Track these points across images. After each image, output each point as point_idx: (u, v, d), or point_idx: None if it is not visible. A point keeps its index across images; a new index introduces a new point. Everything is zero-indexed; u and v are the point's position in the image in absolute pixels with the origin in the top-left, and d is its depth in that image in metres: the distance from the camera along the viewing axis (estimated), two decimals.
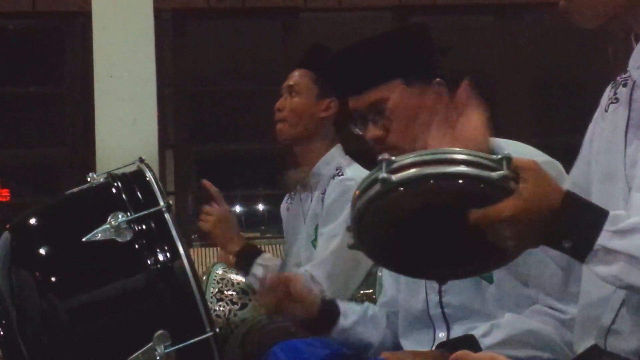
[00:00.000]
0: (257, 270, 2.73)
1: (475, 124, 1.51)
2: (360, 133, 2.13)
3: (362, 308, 2.20)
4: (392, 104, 2.04)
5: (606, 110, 1.61)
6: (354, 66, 2.11)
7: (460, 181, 1.32)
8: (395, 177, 1.33)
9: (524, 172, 1.34)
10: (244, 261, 2.79)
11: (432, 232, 1.39)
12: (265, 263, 2.74)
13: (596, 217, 1.35)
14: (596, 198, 1.51)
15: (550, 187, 1.36)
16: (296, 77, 2.91)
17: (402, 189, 1.33)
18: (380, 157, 1.35)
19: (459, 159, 1.34)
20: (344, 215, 2.71)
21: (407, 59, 2.07)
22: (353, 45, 2.14)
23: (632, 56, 1.55)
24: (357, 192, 1.38)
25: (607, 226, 1.34)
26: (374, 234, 1.40)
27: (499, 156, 1.34)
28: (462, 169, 1.32)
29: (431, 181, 1.33)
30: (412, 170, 1.33)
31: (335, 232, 2.71)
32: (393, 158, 1.34)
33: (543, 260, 1.63)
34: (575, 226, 1.35)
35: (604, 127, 1.59)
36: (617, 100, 1.57)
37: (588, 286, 1.55)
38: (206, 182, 2.91)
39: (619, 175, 1.52)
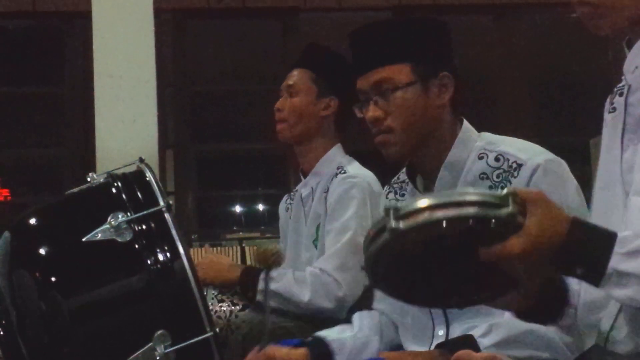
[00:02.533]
0: (261, 297, 2.72)
1: None
2: (361, 115, 2.13)
3: (352, 332, 2.17)
4: (394, 87, 2.04)
5: (605, 121, 1.62)
6: (365, 44, 2.11)
7: (471, 222, 1.34)
8: (403, 224, 1.35)
9: (530, 205, 1.35)
10: (246, 282, 2.78)
11: (446, 265, 1.42)
12: (265, 288, 2.72)
13: (605, 240, 1.36)
14: (596, 205, 1.52)
15: (556, 217, 1.36)
16: (295, 76, 2.91)
17: (410, 235, 1.36)
18: (386, 206, 1.37)
19: (466, 200, 1.35)
20: (352, 211, 2.71)
21: (418, 46, 2.07)
22: (369, 24, 2.15)
23: (626, 61, 1.56)
24: (369, 236, 1.41)
25: (617, 249, 1.35)
26: (389, 274, 1.43)
27: (505, 192, 1.35)
28: (471, 210, 1.34)
29: (442, 225, 1.34)
30: (420, 216, 1.35)
31: (344, 228, 2.71)
32: (399, 205, 1.36)
33: None
34: (585, 252, 1.36)
35: (604, 136, 1.60)
36: (614, 109, 1.58)
37: (586, 290, 1.55)
38: None
39: (616, 182, 1.52)
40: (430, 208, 1.35)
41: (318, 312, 2.65)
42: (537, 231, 1.33)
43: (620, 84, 1.58)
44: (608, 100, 1.63)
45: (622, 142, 1.53)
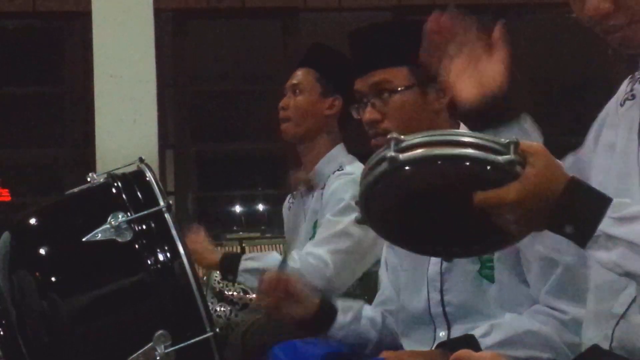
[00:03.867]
0: (243, 278, 2.74)
1: (498, 67, 1.52)
2: (359, 117, 2.13)
3: (358, 305, 2.20)
4: (393, 89, 2.04)
5: (622, 105, 1.60)
6: (365, 45, 2.11)
7: (467, 163, 1.33)
8: (402, 156, 1.34)
9: (530, 156, 1.35)
10: (228, 265, 2.79)
11: (438, 210, 1.40)
12: (249, 267, 2.74)
13: (599, 203, 1.36)
14: (611, 194, 1.51)
15: (555, 173, 1.36)
16: (299, 75, 2.92)
17: (408, 168, 1.34)
18: (389, 136, 1.36)
19: (467, 141, 1.35)
20: (345, 203, 2.71)
21: (418, 50, 2.07)
22: (369, 25, 2.15)
23: None
24: (366, 169, 1.39)
25: (610, 213, 1.35)
26: (381, 210, 1.41)
27: (507, 140, 1.35)
28: (470, 151, 1.33)
29: (438, 162, 1.34)
30: (420, 151, 1.34)
31: (336, 220, 2.71)
32: (402, 137, 1.36)
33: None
34: (578, 211, 1.36)
35: (619, 123, 1.59)
36: (633, 97, 1.57)
37: (597, 279, 1.55)
38: None
39: (633, 174, 1.52)
40: (431, 144, 1.34)
41: None
42: (534, 181, 1.33)
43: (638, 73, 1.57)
44: (625, 83, 1.61)
45: (639, 134, 1.52)
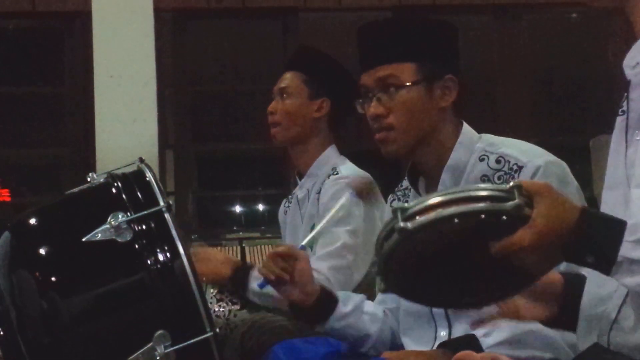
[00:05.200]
0: (253, 281, 2.72)
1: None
2: (363, 112, 2.13)
3: (359, 298, 2.20)
4: (399, 85, 2.05)
5: (616, 121, 1.62)
6: (373, 40, 2.12)
7: (482, 217, 1.35)
8: (411, 224, 1.36)
9: (535, 197, 1.36)
10: (239, 279, 2.77)
11: (458, 263, 1.42)
12: (255, 288, 2.71)
13: (615, 229, 1.37)
14: (603, 204, 1.52)
15: (564, 207, 1.37)
16: (287, 79, 2.91)
17: (420, 234, 1.37)
18: (394, 207, 1.38)
19: (475, 195, 1.36)
20: (342, 213, 2.70)
21: (426, 47, 2.08)
22: (378, 21, 2.16)
23: (627, 55, 1.56)
24: (379, 240, 1.42)
25: (627, 237, 1.36)
26: (402, 276, 1.44)
27: (510, 185, 1.36)
28: (480, 205, 1.35)
29: (455, 220, 1.35)
30: (426, 216, 1.36)
31: (335, 231, 2.71)
32: (406, 205, 1.38)
33: None
34: (596, 241, 1.37)
35: (613, 136, 1.60)
36: (623, 112, 1.58)
37: (591, 283, 1.55)
38: None
39: (620, 180, 1.52)
40: (438, 205, 1.36)
41: None
42: (544, 221, 1.34)
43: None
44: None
45: (626, 139, 1.53)
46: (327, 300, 2.13)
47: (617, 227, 1.37)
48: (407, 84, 2.04)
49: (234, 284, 2.78)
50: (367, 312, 2.18)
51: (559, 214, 1.36)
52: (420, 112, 2.05)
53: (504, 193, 1.35)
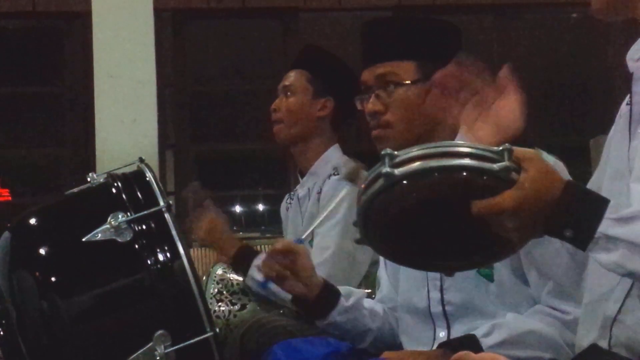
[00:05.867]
0: (254, 272, 2.72)
1: (512, 108, 1.53)
2: (362, 108, 2.13)
3: (360, 293, 2.20)
4: (398, 82, 2.05)
5: (619, 112, 1.62)
6: (375, 37, 2.12)
7: (464, 173, 1.33)
8: (398, 171, 1.34)
9: (525, 162, 1.36)
10: (240, 263, 2.78)
11: (437, 224, 1.40)
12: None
13: (597, 205, 1.37)
14: (607, 194, 1.52)
15: (551, 177, 1.37)
16: (291, 77, 2.92)
17: (405, 182, 1.34)
18: (383, 152, 1.36)
19: (462, 151, 1.35)
20: (340, 215, 2.70)
21: (427, 45, 2.08)
22: (382, 18, 2.16)
23: (631, 49, 1.56)
24: (362, 187, 1.39)
25: (608, 214, 1.35)
26: (380, 228, 1.41)
27: (500, 148, 1.35)
28: (466, 161, 1.34)
29: (435, 174, 1.34)
30: (415, 164, 1.35)
31: (331, 232, 2.71)
32: (395, 152, 1.36)
33: (559, 251, 1.63)
34: (577, 215, 1.36)
35: (615, 129, 1.60)
36: (627, 104, 1.58)
37: (593, 278, 1.55)
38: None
39: (624, 173, 1.52)
40: (425, 157, 1.35)
41: None
42: (530, 187, 1.34)
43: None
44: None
45: (629, 132, 1.53)
46: (329, 293, 2.12)
47: (599, 203, 1.37)
48: (407, 82, 2.05)
49: (235, 264, 2.78)
50: (368, 308, 2.18)
51: (545, 182, 1.35)
52: (418, 110, 2.05)
53: (494, 154, 1.34)
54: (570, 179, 1.41)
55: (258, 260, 2.71)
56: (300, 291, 2.09)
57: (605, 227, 1.35)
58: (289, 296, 2.62)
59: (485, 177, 1.33)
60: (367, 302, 2.20)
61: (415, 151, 1.36)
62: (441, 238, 1.42)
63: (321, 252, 2.70)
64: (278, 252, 2.08)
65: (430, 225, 1.40)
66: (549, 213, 1.35)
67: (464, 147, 1.36)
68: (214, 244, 2.85)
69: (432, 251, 1.45)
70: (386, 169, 1.34)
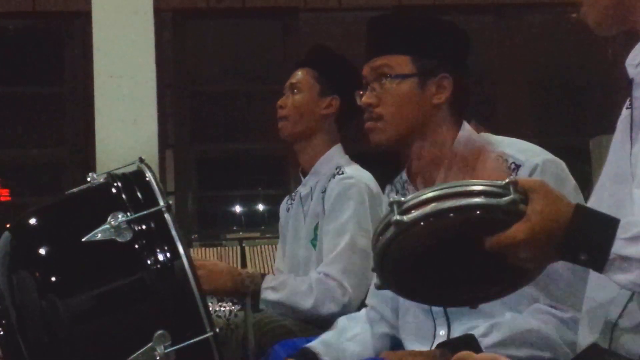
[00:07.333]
0: (264, 305, 2.70)
1: (494, 166, 1.56)
2: (360, 103, 2.14)
3: (334, 333, 2.18)
4: (392, 75, 2.06)
5: (621, 115, 1.62)
6: (375, 32, 2.14)
7: (477, 212, 1.36)
8: (407, 217, 1.37)
9: (530, 193, 1.37)
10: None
11: (453, 260, 1.43)
12: (269, 299, 2.69)
13: (608, 226, 1.38)
14: (607, 201, 1.53)
15: (558, 204, 1.38)
16: (299, 75, 2.93)
17: (416, 227, 1.37)
18: (391, 200, 1.39)
19: (470, 190, 1.37)
20: (349, 213, 2.71)
21: (423, 42, 2.08)
22: (385, 14, 2.18)
23: (630, 54, 1.56)
24: (375, 235, 1.42)
25: (620, 234, 1.37)
26: (398, 272, 1.44)
27: (505, 181, 1.37)
28: (477, 200, 1.36)
29: (450, 215, 1.36)
30: (426, 208, 1.37)
31: (342, 230, 2.71)
32: (402, 199, 1.38)
33: (559, 270, 1.65)
34: (589, 238, 1.38)
35: (617, 133, 1.61)
36: (628, 108, 1.58)
37: (595, 283, 1.55)
38: None
39: (626, 177, 1.53)
40: (435, 199, 1.37)
41: (322, 317, 2.62)
42: (539, 217, 1.35)
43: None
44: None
45: (630, 136, 1.54)
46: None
47: (610, 224, 1.38)
48: (400, 75, 2.05)
49: (239, 293, 2.73)
50: (352, 339, 2.16)
51: (553, 210, 1.37)
52: (410, 105, 2.06)
53: (499, 189, 1.36)
54: (579, 203, 1.42)
55: (265, 294, 2.69)
56: None
57: (619, 247, 1.36)
58: (307, 305, 2.61)
59: (495, 213, 1.36)
60: (351, 329, 2.18)
61: (425, 194, 1.38)
62: (460, 272, 1.45)
63: (334, 249, 2.70)
64: None
65: (446, 262, 1.43)
66: (561, 239, 1.37)
67: (474, 185, 1.38)
68: (211, 291, 2.76)
69: (453, 286, 1.48)
70: (395, 217, 1.37)
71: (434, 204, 1.36)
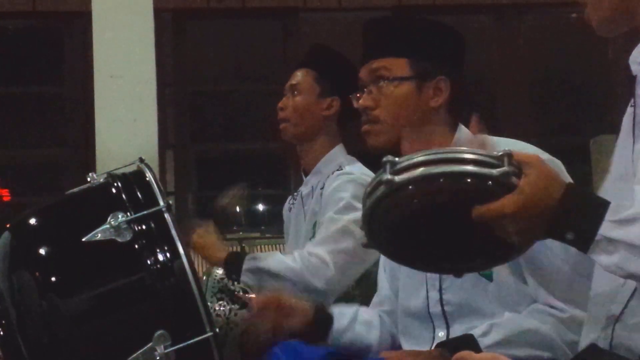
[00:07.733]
0: (247, 278, 2.73)
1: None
2: (358, 106, 2.14)
3: (353, 310, 2.20)
4: (389, 78, 2.06)
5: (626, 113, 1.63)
6: (371, 34, 2.13)
7: (468, 180, 1.35)
8: (398, 178, 1.36)
9: (525, 167, 1.37)
10: (231, 270, 2.78)
11: (442, 227, 1.42)
12: (251, 266, 2.73)
13: (597, 207, 1.37)
14: (611, 199, 1.53)
15: (551, 181, 1.38)
16: (298, 76, 2.93)
17: (405, 189, 1.36)
18: (384, 159, 1.38)
19: (464, 158, 1.36)
20: (344, 202, 2.71)
21: (421, 45, 2.08)
22: (382, 17, 2.18)
23: (634, 52, 1.56)
24: (365, 193, 1.41)
25: (609, 216, 1.36)
26: (385, 232, 1.43)
27: (500, 153, 1.36)
28: (469, 168, 1.35)
29: (440, 180, 1.35)
30: (419, 170, 1.36)
31: (336, 218, 2.71)
32: (396, 159, 1.37)
33: (561, 268, 1.65)
34: (577, 217, 1.37)
35: (622, 131, 1.61)
36: (632, 106, 1.58)
37: (598, 279, 1.55)
38: None
39: (629, 173, 1.53)
40: (426, 163, 1.36)
41: (307, 289, 2.63)
42: (530, 191, 1.35)
43: None
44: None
45: (633, 133, 1.54)
46: (323, 318, 2.14)
47: (599, 205, 1.38)
48: (397, 78, 2.06)
49: (227, 265, 2.78)
50: (363, 322, 2.18)
51: (545, 186, 1.36)
52: (407, 107, 2.06)
53: (493, 159, 1.36)
54: (571, 181, 1.42)
55: (248, 264, 2.72)
56: (296, 326, 2.10)
57: (606, 229, 1.36)
58: (296, 266, 2.64)
59: (486, 183, 1.34)
60: (363, 315, 2.20)
61: (416, 158, 1.37)
62: (447, 240, 1.44)
63: (324, 233, 2.71)
64: (261, 310, 2.11)
65: (435, 228, 1.42)
66: (550, 216, 1.36)
67: (467, 153, 1.37)
68: (203, 250, 2.84)
69: (439, 253, 1.47)
70: (387, 176, 1.36)
71: (425, 168, 1.36)
